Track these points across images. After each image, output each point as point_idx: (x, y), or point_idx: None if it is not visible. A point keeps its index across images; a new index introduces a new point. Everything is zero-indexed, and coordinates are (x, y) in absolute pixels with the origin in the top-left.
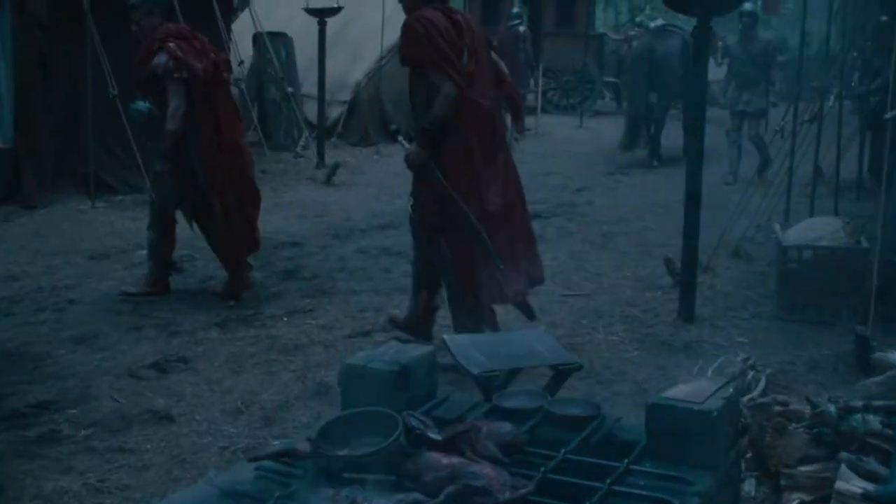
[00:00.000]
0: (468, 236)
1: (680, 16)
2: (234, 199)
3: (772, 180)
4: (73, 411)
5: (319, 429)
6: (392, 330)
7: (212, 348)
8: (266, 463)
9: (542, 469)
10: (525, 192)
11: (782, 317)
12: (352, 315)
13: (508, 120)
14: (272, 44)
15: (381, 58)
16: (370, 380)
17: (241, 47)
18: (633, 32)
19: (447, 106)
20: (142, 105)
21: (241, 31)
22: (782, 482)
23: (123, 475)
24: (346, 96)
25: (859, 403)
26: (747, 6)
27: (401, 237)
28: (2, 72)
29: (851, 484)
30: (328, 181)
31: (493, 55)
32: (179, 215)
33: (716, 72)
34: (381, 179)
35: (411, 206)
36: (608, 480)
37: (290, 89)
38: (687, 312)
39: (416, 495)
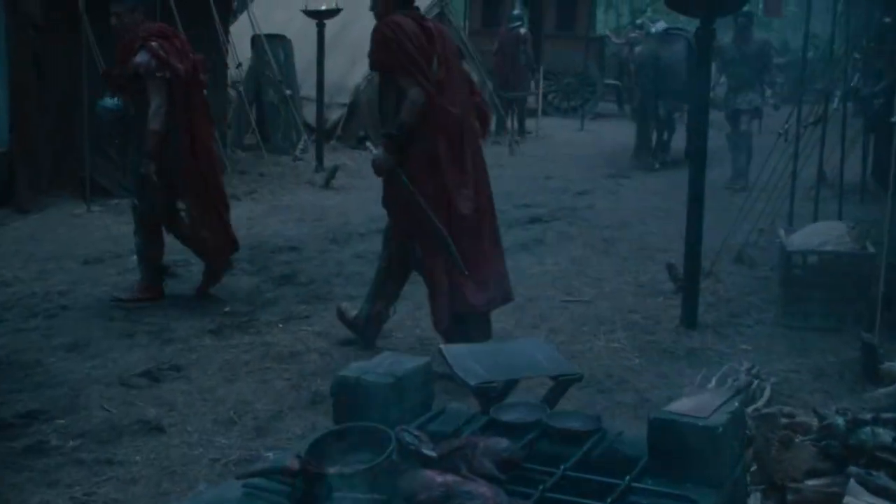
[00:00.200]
0: (436, 242)
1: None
2: (207, 200)
3: (775, 184)
4: (62, 421)
5: (309, 444)
6: (389, 336)
7: (205, 356)
8: (254, 480)
9: (541, 487)
10: (525, 195)
11: (786, 323)
12: None
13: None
14: (271, 46)
15: None
16: (363, 393)
17: (240, 49)
18: (633, 35)
19: (414, 112)
20: (110, 102)
21: (240, 34)
22: (789, 497)
23: (111, 489)
24: (346, 99)
25: (868, 416)
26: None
27: None
28: None
29: (860, 499)
30: (327, 184)
31: (464, 66)
32: None
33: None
34: (381, 183)
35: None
36: (609, 499)
37: (288, 92)
38: (689, 319)
39: None
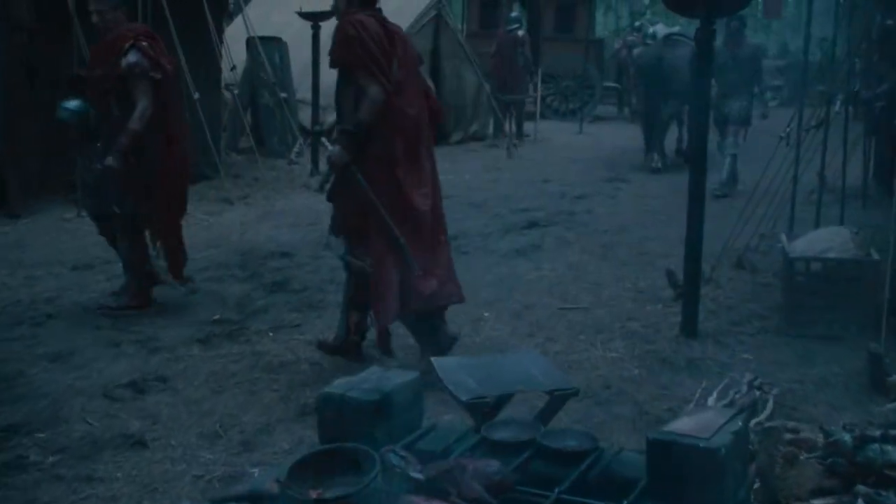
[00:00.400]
0: (387, 243)
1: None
2: (177, 202)
3: (776, 188)
4: (42, 435)
5: (289, 467)
6: (376, 346)
7: (192, 366)
8: None
9: None
10: (523, 199)
11: (789, 332)
12: None
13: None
14: (266, 49)
15: None
16: (349, 410)
17: (236, 52)
18: (631, 38)
19: (374, 110)
20: (74, 104)
21: (236, 36)
22: None
23: None
24: None
25: (877, 432)
26: None
27: None
28: None
29: None
30: (321, 189)
31: (421, 72)
32: None
33: None
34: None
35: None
36: None
37: (283, 95)
38: (689, 328)
39: None
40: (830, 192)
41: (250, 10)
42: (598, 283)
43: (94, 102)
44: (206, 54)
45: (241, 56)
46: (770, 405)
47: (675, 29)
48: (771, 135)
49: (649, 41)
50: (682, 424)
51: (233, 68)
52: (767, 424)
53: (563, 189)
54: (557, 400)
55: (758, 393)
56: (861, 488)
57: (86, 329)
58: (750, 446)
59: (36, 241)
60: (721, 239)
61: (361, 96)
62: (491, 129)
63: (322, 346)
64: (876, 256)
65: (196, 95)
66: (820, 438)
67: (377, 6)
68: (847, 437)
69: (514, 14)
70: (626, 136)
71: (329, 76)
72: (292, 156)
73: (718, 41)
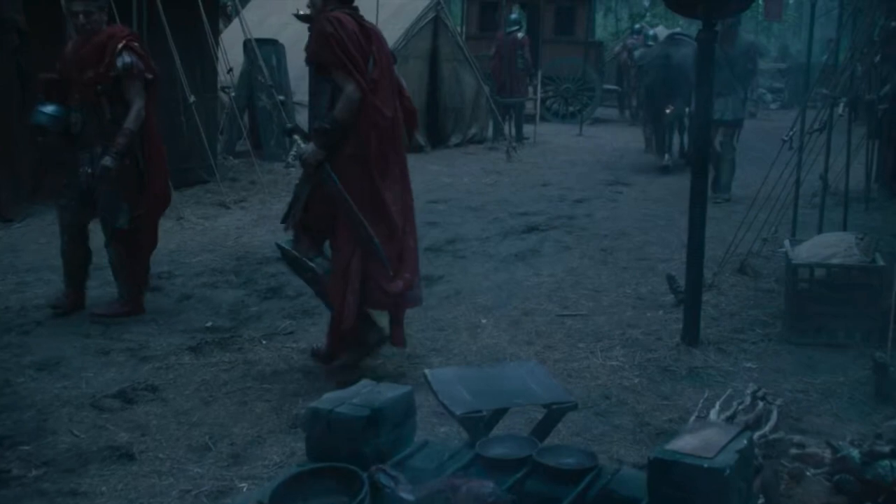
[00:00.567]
0: (356, 243)
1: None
2: (156, 204)
3: (778, 193)
4: (27, 448)
5: (272, 488)
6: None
7: (183, 375)
8: None
9: None
10: (522, 203)
11: (793, 339)
12: None
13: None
14: (263, 51)
15: None
16: (337, 427)
17: (233, 54)
18: (631, 41)
19: (350, 108)
20: (51, 108)
21: (233, 39)
22: None
23: None
24: None
25: (886, 448)
26: None
27: None
28: None
29: None
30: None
31: (395, 70)
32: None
33: None
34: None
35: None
36: None
37: (281, 97)
38: (691, 335)
39: None
40: (833, 195)
41: (247, 13)
42: (597, 289)
43: (82, 105)
44: (203, 57)
45: (238, 59)
46: (774, 416)
47: (677, 29)
48: (773, 137)
49: (651, 43)
50: (685, 442)
51: (229, 71)
52: (772, 437)
53: (563, 192)
54: (555, 413)
55: (761, 404)
56: None
57: (75, 337)
58: (754, 460)
59: (28, 247)
60: (723, 244)
61: (337, 94)
62: (490, 132)
63: (316, 354)
64: (881, 262)
65: (192, 99)
66: (827, 454)
67: (354, 4)
68: (855, 453)
69: (513, 16)
70: (626, 138)
71: None
72: (289, 159)
73: None
